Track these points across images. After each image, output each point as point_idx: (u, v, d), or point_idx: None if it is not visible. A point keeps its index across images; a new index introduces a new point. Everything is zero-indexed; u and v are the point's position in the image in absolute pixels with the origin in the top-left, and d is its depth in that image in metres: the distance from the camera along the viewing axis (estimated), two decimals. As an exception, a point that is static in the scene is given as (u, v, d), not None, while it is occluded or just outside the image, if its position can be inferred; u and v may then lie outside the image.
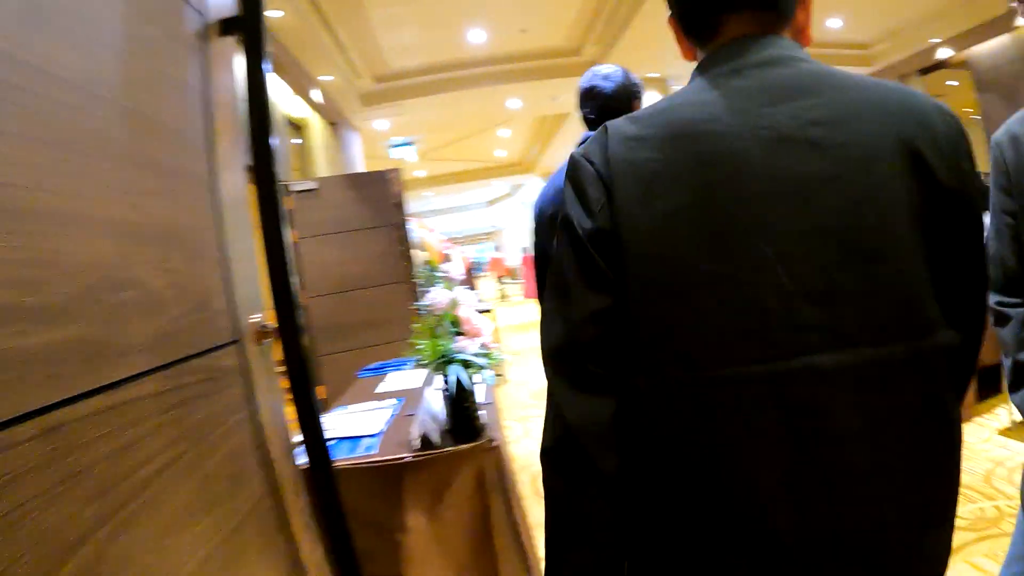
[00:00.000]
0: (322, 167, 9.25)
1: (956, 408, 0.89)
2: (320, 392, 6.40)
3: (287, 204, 6.65)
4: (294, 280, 1.48)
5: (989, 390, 4.55)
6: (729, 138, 0.86)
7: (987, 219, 3.26)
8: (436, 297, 2.39)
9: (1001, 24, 11.10)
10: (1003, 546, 2.89)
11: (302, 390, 1.51)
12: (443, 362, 2.28)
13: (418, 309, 2.45)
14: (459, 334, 2.36)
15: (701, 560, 0.86)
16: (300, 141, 9.20)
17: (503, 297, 23.04)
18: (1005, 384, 1.37)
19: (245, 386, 1.38)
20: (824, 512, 0.82)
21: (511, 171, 21.85)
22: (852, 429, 0.82)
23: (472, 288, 10.09)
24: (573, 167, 0.94)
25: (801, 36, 1.01)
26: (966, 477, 3.36)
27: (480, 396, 2.60)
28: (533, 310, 16.91)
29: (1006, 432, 4.27)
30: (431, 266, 2.63)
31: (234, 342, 1.35)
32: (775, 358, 0.82)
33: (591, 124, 2.44)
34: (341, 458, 2.35)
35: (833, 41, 12.04)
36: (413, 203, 26.46)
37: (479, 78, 10.47)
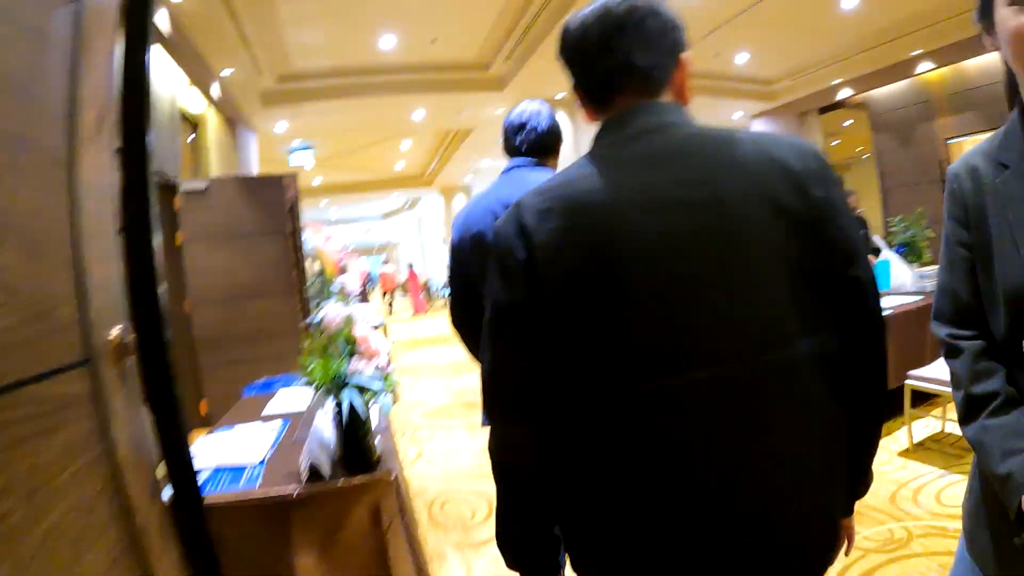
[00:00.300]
0: (215, 167, 8.75)
1: (833, 400, 1.12)
2: (202, 408, 6.00)
3: (175, 203, 6.29)
4: (162, 288, 1.21)
5: (888, 413, 4.52)
6: (612, 206, 1.06)
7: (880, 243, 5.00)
8: (330, 313, 2.14)
9: (900, 70, 11.67)
10: (915, 568, 2.94)
11: (167, 420, 1.24)
12: (335, 386, 2.05)
13: (308, 325, 2.21)
14: (354, 355, 2.13)
15: (639, 520, 1.07)
16: (193, 136, 8.72)
17: (390, 312, 23.11)
18: (957, 416, 1.32)
19: (98, 418, 1.09)
20: (731, 478, 1.04)
21: (409, 184, 21.56)
22: (732, 425, 1.04)
23: (366, 301, 9.79)
24: (496, 239, 1.15)
25: (681, 95, 1.22)
26: (871, 499, 3.35)
27: (374, 420, 2.39)
28: (425, 326, 16.99)
29: (906, 453, 4.35)
30: (325, 278, 2.35)
31: (84, 362, 1.07)
32: (664, 375, 1.04)
33: (515, 154, 2.49)
34: (221, 492, 2.11)
35: (738, 75, 12.34)
36: (308, 211, 25.91)
37: (385, 86, 10.19)
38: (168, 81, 6.50)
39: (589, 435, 1.10)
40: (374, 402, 2.12)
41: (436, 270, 30.48)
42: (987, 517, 1.30)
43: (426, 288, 24.55)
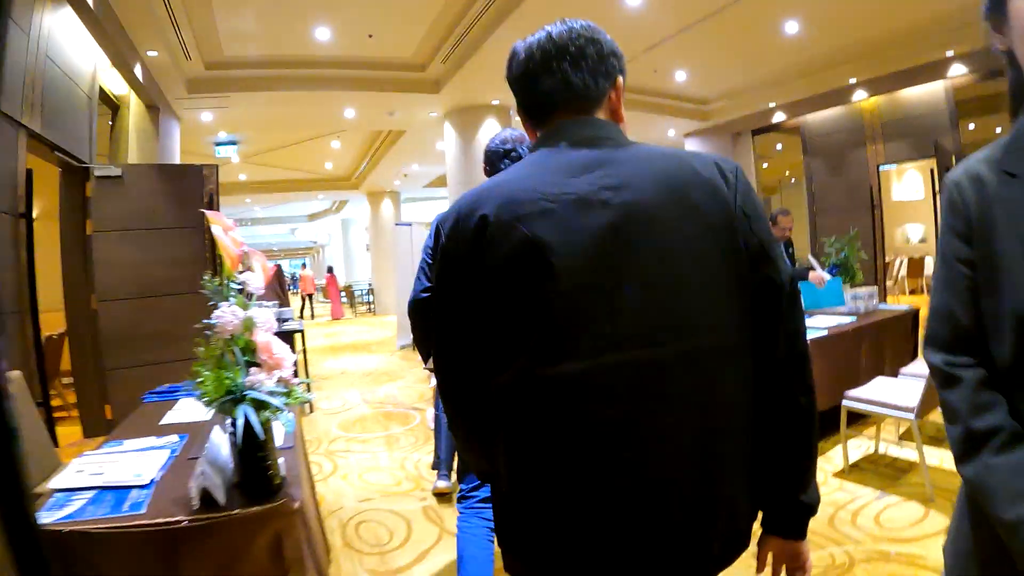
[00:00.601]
0: (134, 155, 8.24)
1: (745, 395, 1.20)
2: (107, 412, 5.59)
3: (86, 189, 5.88)
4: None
5: (823, 432, 4.55)
6: (541, 202, 1.15)
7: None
8: (224, 315, 1.86)
9: (835, 96, 11.89)
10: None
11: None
12: (230, 401, 1.76)
13: (206, 328, 1.90)
14: (253, 364, 1.85)
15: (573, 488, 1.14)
16: (113, 120, 8.21)
17: (312, 316, 22.64)
18: (954, 445, 1.20)
19: None
20: (641, 454, 1.12)
21: (337, 186, 21.01)
22: (641, 405, 1.12)
23: (284, 305, 9.40)
24: (438, 231, 1.41)
25: (615, 115, 1.33)
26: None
27: (279, 439, 2.15)
28: (346, 331, 16.65)
29: (841, 475, 4.28)
30: (224, 274, 2.04)
31: None
32: (582, 356, 1.12)
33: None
34: (100, 518, 1.83)
35: (675, 93, 12.37)
36: (231, 208, 25.16)
37: (318, 80, 9.79)
38: (87, 56, 6.05)
39: (515, 411, 1.19)
40: (276, 419, 1.85)
41: (361, 274, 30.06)
42: (982, 563, 1.19)
43: (350, 293, 24.12)
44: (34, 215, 9.58)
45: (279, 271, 11.30)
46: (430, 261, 2.62)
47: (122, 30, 6.74)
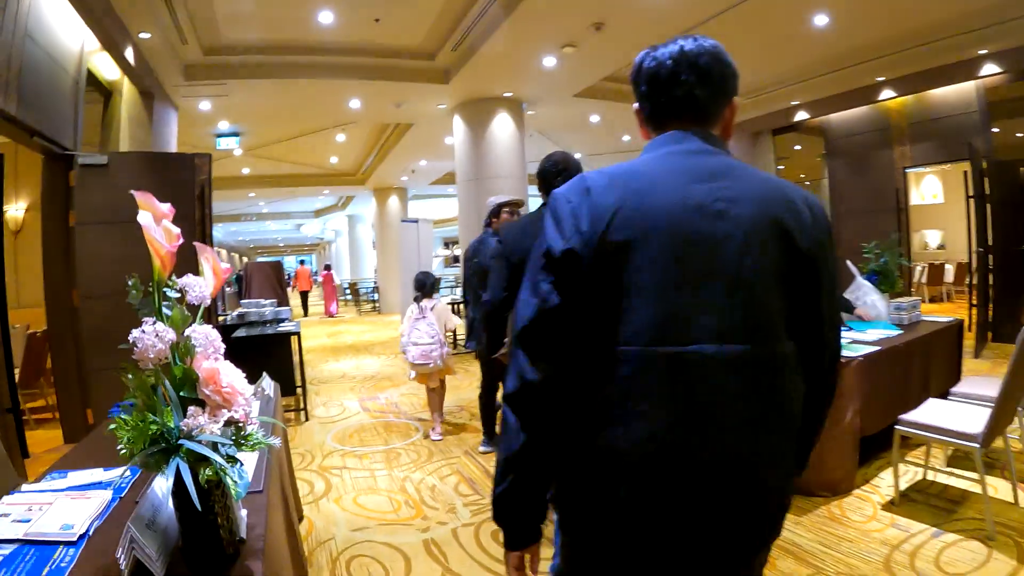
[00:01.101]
0: (126, 143, 7.72)
1: (797, 389, 1.38)
2: (89, 417, 5.22)
3: (70, 178, 5.46)
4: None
5: (868, 457, 4.28)
6: (665, 201, 1.30)
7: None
8: (145, 337, 1.37)
9: (861, 95, 11.44)
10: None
11: None
12: (158, 453, 1.31)
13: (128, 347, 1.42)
14: (194, 402, 1.38)
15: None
16: (105, 107, 7.76)
17: (305, 313, 22.38)
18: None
19: None
20: (730, 436, 1.27)
21: (342, 181, 20.55)
22: (727, 391, 1.26)
23: (283, 303, 8.96)
24: (558, 201, 1.38)
25: (726, 131, 1.51)
26: (861, 565, 3.19)
27: (248, 472, 1.76)
28: (349, 330, 16.24)
29: (891, 508, 3.84)
30: (154, 278, 1.53)
31: None
32: (677, 343, 1.25)
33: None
34: None
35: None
36: (234, 203, 24.76)
37: (321, 68, 9.32)
38: (73, 37, 5.62)
39: (605, 386, 1.29)
40: (228, 473, 1.38)
41: (368, 272, 29.59)
42: None
43: (355, 290, 23.69)
44: (24, 205, 9.23)
45: (278, 267, 10.87)
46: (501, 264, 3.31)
47: (111, 9, 6.29)
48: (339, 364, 10.67)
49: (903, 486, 4.09)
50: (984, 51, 9.57)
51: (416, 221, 11.49)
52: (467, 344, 6.40)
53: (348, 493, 4.56)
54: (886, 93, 11.20)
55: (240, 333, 6.74)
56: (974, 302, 9.14)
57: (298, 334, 6.97)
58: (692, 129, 1.43)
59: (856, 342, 4.53)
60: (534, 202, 7.16)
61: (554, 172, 3.24)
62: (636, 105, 1.53)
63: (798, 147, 15.40)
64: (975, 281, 9.37)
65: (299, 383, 7.13)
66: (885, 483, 4.12)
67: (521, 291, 1.38)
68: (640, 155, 1.47)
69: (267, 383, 3.40)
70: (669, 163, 1.37)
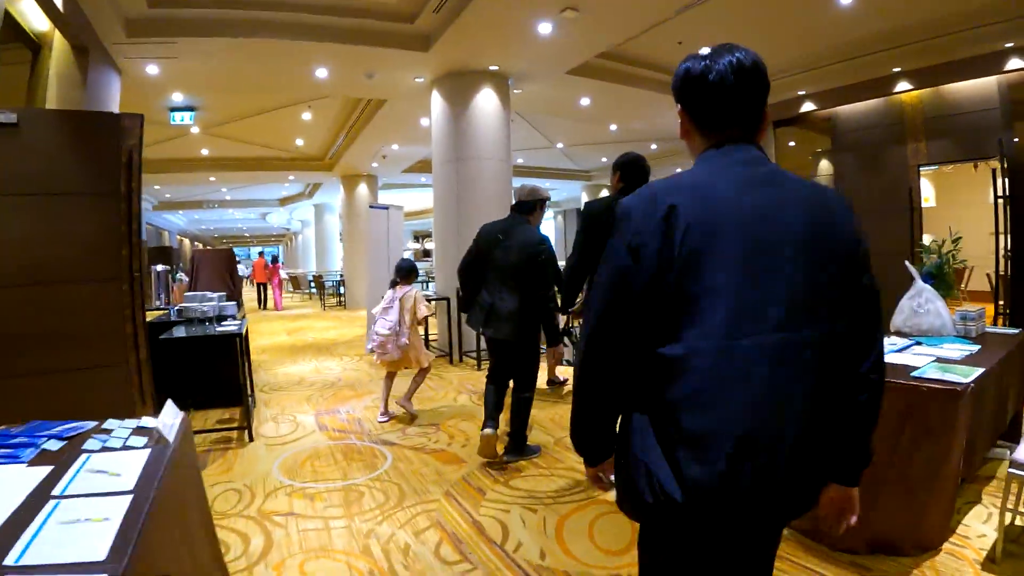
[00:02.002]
0: (54, 106, 6.57)
1: (851, 369, 1.56)
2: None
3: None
4: None
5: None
6: (728, 204, 1.48)
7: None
8: None
9: (875, 87, 10.71)
10: None
11: None
12: None
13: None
14: None
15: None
16: (32, 63, 6.60)
17: (261, 306, 21.67)
18: None
19: None
20: (784, 408, 1.45)
21: (309, 166, 19.27)
22: (792, 372, 1.45)
23: (233, 297, 7.86)
24: (629, 211, 1.54)
25: (761, 136, 1.64)
26: None
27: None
28: (312, 327, 15.16)
29: (992, 566, 3.08)
30: None
31: None
32: (755, 333, 1.43)
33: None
34: None
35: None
36: (193, 187, 23.45)
37: (283, 26, 8.10)
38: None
39: (679, 379, 1.46)
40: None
41: (336, 264, 28.37)
42: None
43: (320, 284, 22.56)
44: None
45: (228, 256, 9.71)
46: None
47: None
48: (297, 367, 9.47)
49: (988, 532, 3.40)
50: (1010, 44, 8.94)
51: (386, 208, 10.32)
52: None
53: (293, 555, 3.41)
54: (902, 85, 10.43)
55: (172, 334, 5.61)
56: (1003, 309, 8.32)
57: (240, 335, 5.82)
58: (742, 138, 1.60)
59: (943, 360, 3.65)
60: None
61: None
62: (680, 108, 1.68)
63: (792, 143, 14.56)
64: (1000, 287, 8.62)
65: (249, 392, 6.03)
66: (973, 532, 3.42)
67: (594, 289, 1.60)
68: (697, 165, 1.63)
69: (168, 415, 2.32)
70: (729, 174, 1.54)
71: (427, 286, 16.85)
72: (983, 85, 9.69)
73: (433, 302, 8.54)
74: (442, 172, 9.99)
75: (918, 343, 4.18)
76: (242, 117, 13.68)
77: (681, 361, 1.45)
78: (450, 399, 6.92)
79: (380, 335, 5.98)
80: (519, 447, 4.99)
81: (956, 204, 14.33)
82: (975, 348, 3.98)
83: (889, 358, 3.55)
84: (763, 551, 1.68)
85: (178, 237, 40.59)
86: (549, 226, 40.79)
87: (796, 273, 1.46)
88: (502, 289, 4.81)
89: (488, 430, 4.74)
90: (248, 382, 6.08)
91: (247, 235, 54.50)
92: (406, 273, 6.17)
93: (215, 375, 6.48)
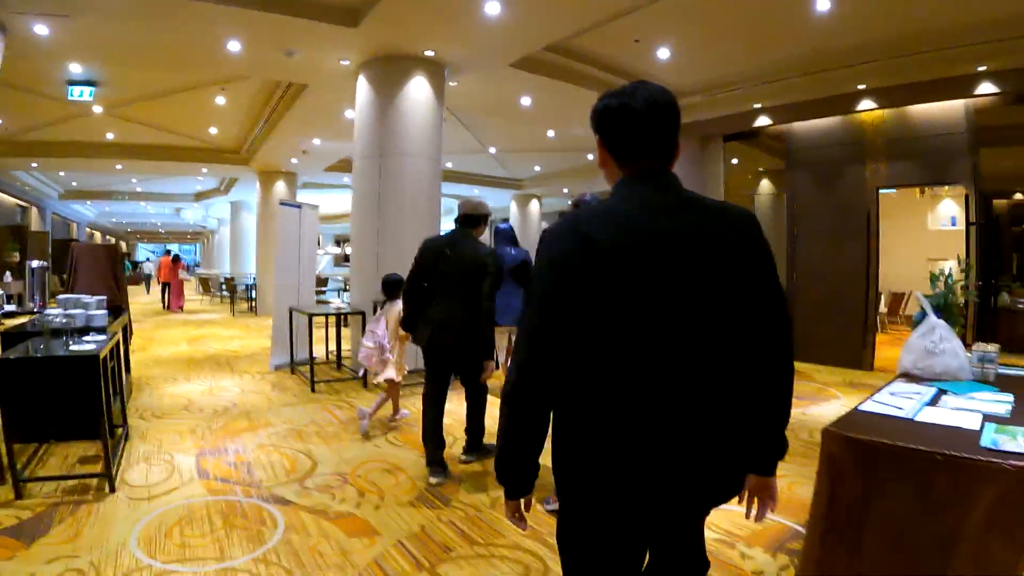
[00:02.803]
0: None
1: (761, 370, 1.75)
2: None
3: None
4: None
5: None
6: (649, 233, 1.65)
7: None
8: None
9: (836, 104, 10.15)
10: None
11: None
12: None
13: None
14: None
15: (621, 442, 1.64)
16: None
17: (165, 307, 20.79)
18: None
19: None
20: (683, 413, 1.65)
21: (224, 159, 17.77)
22: (700, 377, 1.67)
23: (117, 300, 6.65)
24: (552, 238, 1.71)
25: (672, 164, 1.80)
26: None
27: None
28: (217, 335, 13.79)
29: None
30: None
31: None
32: (673, 338, 1.65)
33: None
34: None
35: (647, 74, 10.02)
36: (99, 176, 21.76)
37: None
38: None
39: (612, 377, 1.65)
40: None
41: (251, 265, 26.61)
42: None
43: (232, 287, 21.06)
44: None
45: (113, 252, 8.45)
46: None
47: None
48: (189, 386, 8.13)
49: None
50: (982, 68, 8.52)
51: (299, 206, 9.18)
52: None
53: None
54: (866, 103, 9.83)
55: (12, 352, 4.41)
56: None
57: (96, 357, 4.57)
58: (656, 168, 1.75)
59: (993, 419, 2.68)
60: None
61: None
62: (599, 139, 1.81)
63: (735, 160, 13.97)
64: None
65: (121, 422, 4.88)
66: None
67: (525, 306, 1.76)
68: (614, 193, 1.78)
69: None
70: (644, 202, 1.71)
71: (341, 295, 15.71)
72: (950, 108, 9.21)
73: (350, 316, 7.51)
74: (364, 168, 8.87)
75: (942, 391, 3.32)
76: (149, 97, 12.31)
77: (600, 372, 1.66)
78: (361, 440, 5.82)
79: (366, 348, 6.14)
80: (478, 444, 5.25)
81: (895, 229, 13.99)
82: (1009, 397, 3.11)
83: (927, 415, 2.78)
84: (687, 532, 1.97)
85: (87, 229, 38.32)
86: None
87: (707, 289, 1.67)
88: (451, 301, 4.82)
89: (435, 479, 4.75)
90: (111, 413, 4.87)
91: (162, 231, 52.10)
92: (391, 287, 6.15)
93: (76, 400, 5.20)
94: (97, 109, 12.77)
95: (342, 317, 9.37)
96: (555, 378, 1.67)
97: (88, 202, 29.74)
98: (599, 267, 1.61)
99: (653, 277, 1.63)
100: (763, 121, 11.01)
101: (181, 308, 20.50)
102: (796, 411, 6.59)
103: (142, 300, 24.59)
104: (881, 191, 10.10)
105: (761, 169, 15.69)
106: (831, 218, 10.31)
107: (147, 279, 31.75)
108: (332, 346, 9.91)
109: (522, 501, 1.77)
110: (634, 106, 1.70)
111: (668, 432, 1.63)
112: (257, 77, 11.24)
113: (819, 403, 7.50)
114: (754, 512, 1.84)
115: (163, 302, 21.00)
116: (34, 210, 24.89)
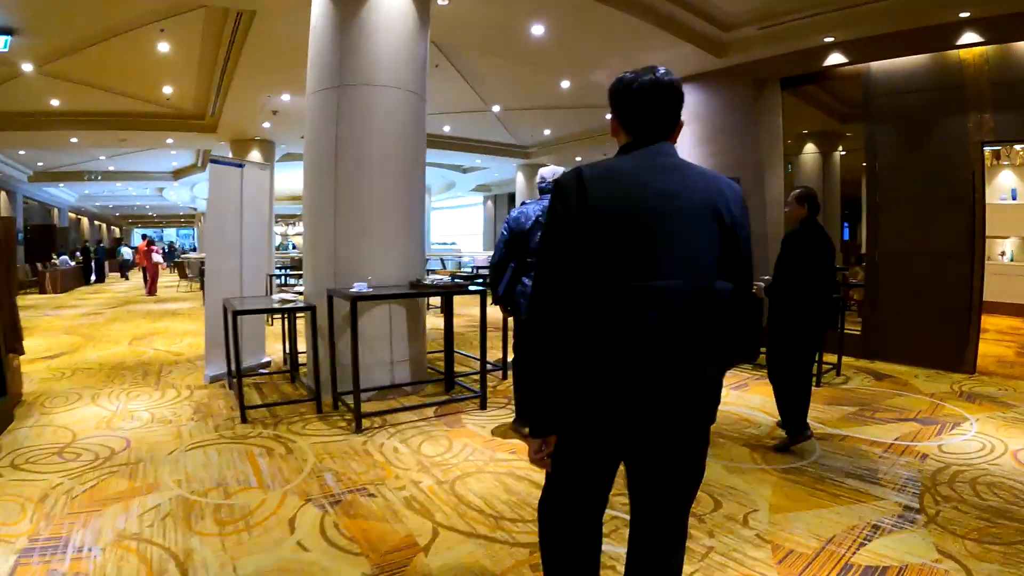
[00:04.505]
0: None
1: (728, 320, 2.00)
2: None
3: None
4: None
5: None
6: (638, 187, 1.94)
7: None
8: None
9: (929, 37, 7.98)
10: None
11: None
12: None
13: None
14: None
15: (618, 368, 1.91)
16: None
17: (148, 293, 19.64)
18: None
19: None
20: (675, 341, 1.91)
21: (189, 127, 15.51)
22: (680, 316, 1.90)
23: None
24: (560, 184, 1.99)
25: (675, 138, 2.11)
26: None
27: None
28: (171, 328, 11.66)
29: None
30: None
31: None
32: (649, 279, 1.88)
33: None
34: None
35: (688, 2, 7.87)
36: (53, 151, 19.64)
37: None
38: None
39: (600, 310, 1.90)
40: None
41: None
42: None
43: (201, 272, 19.06)
44: None
45: (7, 226, 6.39)
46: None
47: None
48: (90, 409, 5.99)
49: None
50: None
51: (240, 164, 7.05)
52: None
53: None
54: (968, 37, 7.64)
55: None
56: None
57: None
58: (652, 138, 2.05)
59: None
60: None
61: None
62: (612, 112, 2.13)
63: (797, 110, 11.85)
64: None
65: None
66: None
67: (542, 242, 2.04)
68: (617, 155, 2.11)
69: None
70: (638, 163, 2.01)
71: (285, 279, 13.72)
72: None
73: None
74: (318, 105, 6.56)
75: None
76: (80, 47, 10.18)
77: (595, 304, 1.91)
78: (282, 525, 3.72)
79: None
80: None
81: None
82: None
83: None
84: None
85: (70, 214, 36.35)
86: (478, 213, 37.33)
87: (686, 238, 1.93)
88: None
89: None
90: None
91: (151, 214, 50.10)
92: None
93: None
94: (27, 67, 10.76)
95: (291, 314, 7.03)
96: (569, 306, 1.93)
97: (61, 184, 27.82)
98: (593, 213, 1.91)
99: (636, 224, 1.92)
100: (835, 59, 8.75)
101: (154, 293, 19.56)
102: (929, 444, 5.02)
103: (118, 288, 22.63)
104: (987, 148, 8.03)
105: (805, 132, 13.52)
106: (922, 181, 8.21)
107: (124, 265, 29.58)
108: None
109: (547, 442, 2.03)
110: (640, 83, 2.03)
111: (648, 362, 1.90)
112: (199, 11, 9.02)
113: (949, 431, 5.43)
114: None
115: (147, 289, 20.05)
116: (2, 194, 23.24)
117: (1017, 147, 12.15)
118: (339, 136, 6.29)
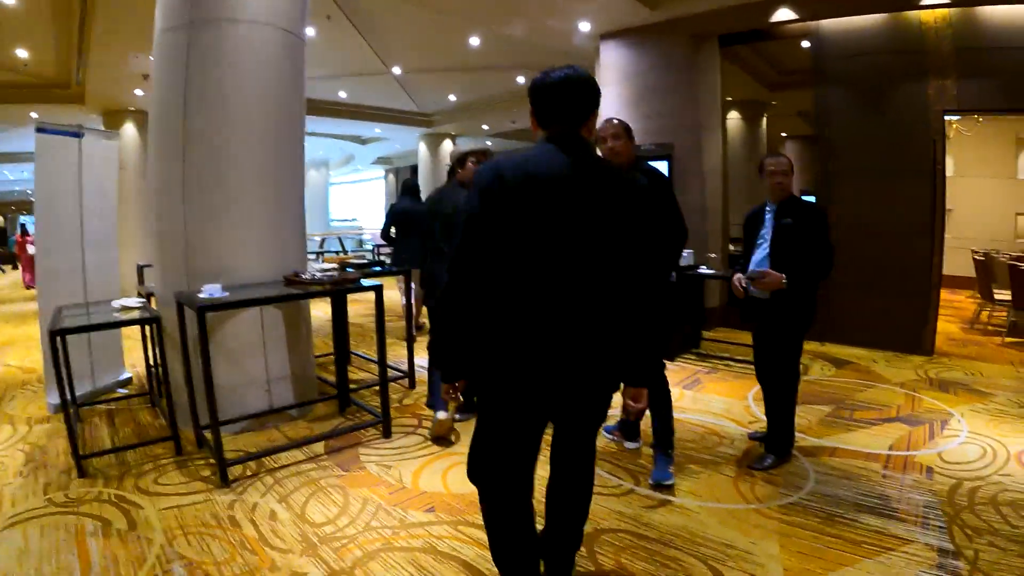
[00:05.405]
0: None
1: (628, 303, 2.28)
2: None
3: None
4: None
5: None
6: (550, 177, 2.16)
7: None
8: None
9: None
10: None
11: None
12: None
13: None
14: None
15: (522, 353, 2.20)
16: None
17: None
18: None
19: None
20: (576, 326, 2.20)
21: (54, 97, 13.43)
22: (581, 301, 2.20)
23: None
24: (479, 177, 2.22)
25: (589, 131, 2.32)
26: None
27: None
28: (34, 335, 9.29)
29: None
30: None
31: None
32: (552, 268, 2.15)
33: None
34: None
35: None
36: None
37: None
38: None
39: (511, 288, 2.17)
40: None
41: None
42: None
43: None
44: None
45: None
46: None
47: None
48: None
49: None
50: None
51: (77, 134, 5.47)
52: (425, 301, 6.62)
53: None
54: (929, -2, 7.04)
55: None
56: None
57: None
58: (564, 132, 2.27)
59: None
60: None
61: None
62: (531, 108, 2.34)
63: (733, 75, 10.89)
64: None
65: None
66: None
67: (456, 229, 2.27)
68: (532, 148, 2.29)
69: None
70: (549, 156, 2.22)
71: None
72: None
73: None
74: (165, 47, 5.00)
75: None
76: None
77: (506, 284, 2.18)
78: None
79: None
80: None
81: (972, 177, 12.61)
82: None
83: None
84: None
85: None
86: (379, 186, 35.75)
87: (589, 226, 2.18)
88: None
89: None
90: None
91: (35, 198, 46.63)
92: None
93: None
94: None
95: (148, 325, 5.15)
96: (479, 282, 2.19)
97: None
98: (507, 200, 2.14)
99: (545, 212, 2.14)
100: (783, 15, 7.82)
101: (31, 286, 17.26)
102: (927, 453, 4.50)
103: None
104: (947, 116, 7.42)
105: (730, 99, 12.71)
106: (880, 151, 7.56)
107: (8, 258, 27.19)
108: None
109: (455, 387, 2.40)
110: (552, 80, 2.26)
111: (556, 336, 2.18)
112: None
113: (940, 433, 4.89)
114: (629, 409, 2.48)
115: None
116: None
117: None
118: (188, 89, 4.76)
